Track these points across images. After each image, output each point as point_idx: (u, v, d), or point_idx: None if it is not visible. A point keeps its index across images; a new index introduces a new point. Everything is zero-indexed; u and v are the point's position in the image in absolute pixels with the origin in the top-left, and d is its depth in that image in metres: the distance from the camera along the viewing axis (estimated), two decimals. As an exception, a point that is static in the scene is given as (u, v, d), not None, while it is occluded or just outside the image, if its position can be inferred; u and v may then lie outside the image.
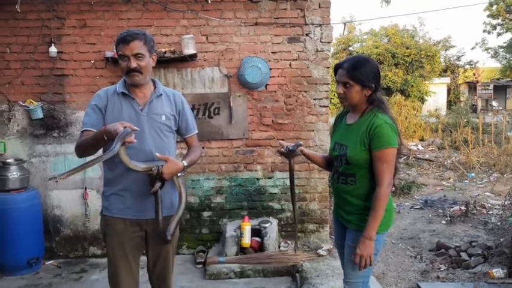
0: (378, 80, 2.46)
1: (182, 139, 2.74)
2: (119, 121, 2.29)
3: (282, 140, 4.79)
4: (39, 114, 4.67)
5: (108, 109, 2.48)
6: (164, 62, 4.56)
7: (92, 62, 4.73)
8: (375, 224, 2.35)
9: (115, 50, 2.52)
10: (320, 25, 4.78)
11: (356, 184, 2.44)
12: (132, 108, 2.48)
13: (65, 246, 4.85)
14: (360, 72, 2.38)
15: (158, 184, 2.37)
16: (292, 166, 2.72)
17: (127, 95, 2.49)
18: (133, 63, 2.38)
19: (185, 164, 2.47)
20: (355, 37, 23.43)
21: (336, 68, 2.49)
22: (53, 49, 4.61)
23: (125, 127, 2.20)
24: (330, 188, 4.71)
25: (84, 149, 2.46)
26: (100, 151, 2.48)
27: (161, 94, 2.57)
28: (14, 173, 4.39)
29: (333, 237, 4.10)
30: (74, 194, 4.79)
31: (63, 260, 4.79)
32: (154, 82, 2.60)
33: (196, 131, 2.74)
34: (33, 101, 4.68)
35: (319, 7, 4.77)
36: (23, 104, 4.68)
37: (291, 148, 2.60)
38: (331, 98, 9.31)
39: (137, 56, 2.39)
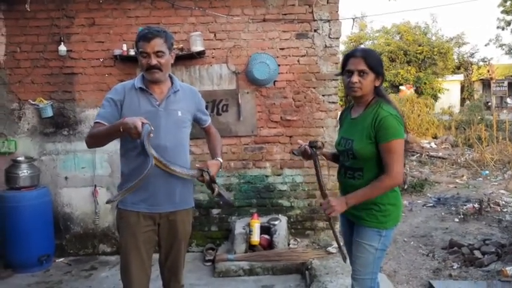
0: (384, 71, 2.44)
1: (201, 128, 2.87)
2: (136, 116, 2.33)
3: (291, 136, 4.80)
4: (49, 113, 4.71)
5: (125, 104, 2.51)
6: (172, 60, 4.56)
7: (101, 60, 4.75)
8: (360, 198, 2.34)
9: (134, 47, 2.55)
10: (328, 21, 4.74)
11: (363, 178, 2.39)
12: (149, 103, 2.51)
13: (75, 244, 4.87)
14: (374, 60, 2.37)
15: (215, 185, 2.56)
16: (318, 164, 2.58)
17: (144, 90, 2.53)
18: (154, 60, 2.43)
19: (221, 160, 2.69)
20: (366, 35, 23.25)
21: (347, 57, 2.43)
22: (62, 48, 4.64)
23: (143, 123, 2.24)
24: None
25: (96, 140, 2.50)
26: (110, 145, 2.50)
27: (178, 90, 2.59)
28: (24, 171, 4.44)
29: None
30: (84, 191, 4.81)
31: (73, 257, 4.82)
32: (171, 78, 2.64)
33: (209, 118, 2.89)
34: (43, 100, 4.71)
35: (327, 3, 4.73)
36: (33, 103, 4.72)
37: (311, 145, 2.56)
38: (342, 97, 9.27)
39: (158, 53, 2.43)
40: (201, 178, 2.52)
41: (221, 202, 2.83)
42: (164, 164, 2.41)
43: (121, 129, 2.27)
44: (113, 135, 2.41)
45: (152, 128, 2.28)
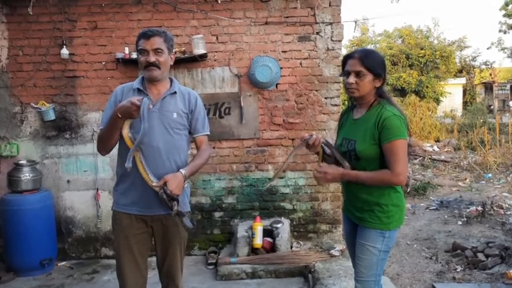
0: (386, 72, 2.43)
1: (192, 139, 2.70)
2: None
3: (293, 139, 4.79)
4: (52, 116, 4.71)
5: None
6: (174, 63, 4.49)
7: (103, 63, 4.75)
8: (359, 178, 2.36)
9: (135, 47, 2.55)
10: (331, 23, 4.74)
11: None
12: None
13: (78, 247, 4.87)
14: (372, 61, 2.36)
15: (175, 203, 2.33)
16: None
17: (141, 91, 2.53)
18: (152, 57, 2.43)
19: (183, 172, 2.42)
20: (368, 38, 23.26)
21: (346, 58, 2.45)
22: (64, 51, 4.64)
23: (138, 99, 2.27)
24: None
25: (103, 141, 2.51)
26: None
27: (175, 92, 2.57)
28: (26, 175, 4.43)
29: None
30: (86, 195, 4.81)
31: (75, 261, 4.81)
32: (171, 81, 2.62)
33: (207, 132, 2.68)
34: (45, 103, 4.72)
35: (329, 5, 4.73)
36: (36, 106, 4.72)
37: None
38: (344, 100, 9.24)
39: (157, 51, 2.44)
40: (159, 194, 2.35)
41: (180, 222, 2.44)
42: (142, 163, 2.39)
43: (119, 115, 2.28)
44: (115, 127, 2.39)
45: (150, 101, 2.31)
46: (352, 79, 2.37)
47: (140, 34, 2.49)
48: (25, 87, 4.75)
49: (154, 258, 2.69)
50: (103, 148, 2.54)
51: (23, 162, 4.51)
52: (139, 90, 2.53)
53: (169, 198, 2.31)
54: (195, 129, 2.64)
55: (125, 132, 2.40)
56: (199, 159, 2.59)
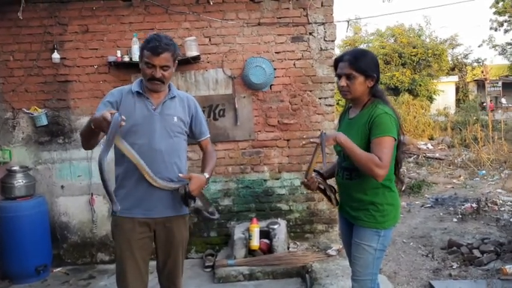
0: (379, 71, 2.43)
1: (196, 143, 2.75)
2: (131, 118, 2.36)
3: (288, 140, 4.79)
4: (44, 121, 4.68)
5: (122, 106, 2.49)
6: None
7: (95, 67, 4.72)
8: (350, 147, 2.27)
9: (140, 54, 2.49)
10: (323, 23, 4.74)
11: (360, 178, 2.39)
12: (145, 107, 2.51)
13: (73, 253, 4.83)
14: (362, 63, 2.36)
15: (191, 202, 2.46)
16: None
17: (141, 95, 2.52)
18: (159, 73, 2.43)
19: (207, 176, 2.55)
20: (361, 38, 23.34)
21: (337, 61, 2.46)
22: (56, 55, 4.60)
23: (111, 113, 2.15)
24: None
25: (82, 139, 2.49)
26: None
27: (174, 96, 2.59)
28: (19, 181, 4.40)
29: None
30: (81, 200, 4.77)
31: (71, 266, 4.76)
32: (168, 85, 2.61)
33: (209, 135, 2.76)
34: (37, 108, 4.68)
35: (321, 5, 4.73)
36: (28, 111, 4.68)
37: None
38: (338, 100, 9.26)
39: (164, 67, 2.43)
40: (177, 191, 2.44)
41: (200, 219, 2.65)
42: (147, 172, 2.36)
43: (92, 126, 2.22)
44: (91, 134, 2.33)
45: (123, 117, 2.16)
46: (343, 82, 2.39)
47: (149, 47, 2.38)
48: (16, 92, 4.71)
49: (151, 262, 2.67)
50: (84, 146, 2.53)
51: (16, 168, 4.48)
52: (138, 93, 2.52)
53: (187, 196, 2.40)
54: (200, 133, 2.71)
55: (123, 148, 2.32)
56: (212, 161, 2.71)
